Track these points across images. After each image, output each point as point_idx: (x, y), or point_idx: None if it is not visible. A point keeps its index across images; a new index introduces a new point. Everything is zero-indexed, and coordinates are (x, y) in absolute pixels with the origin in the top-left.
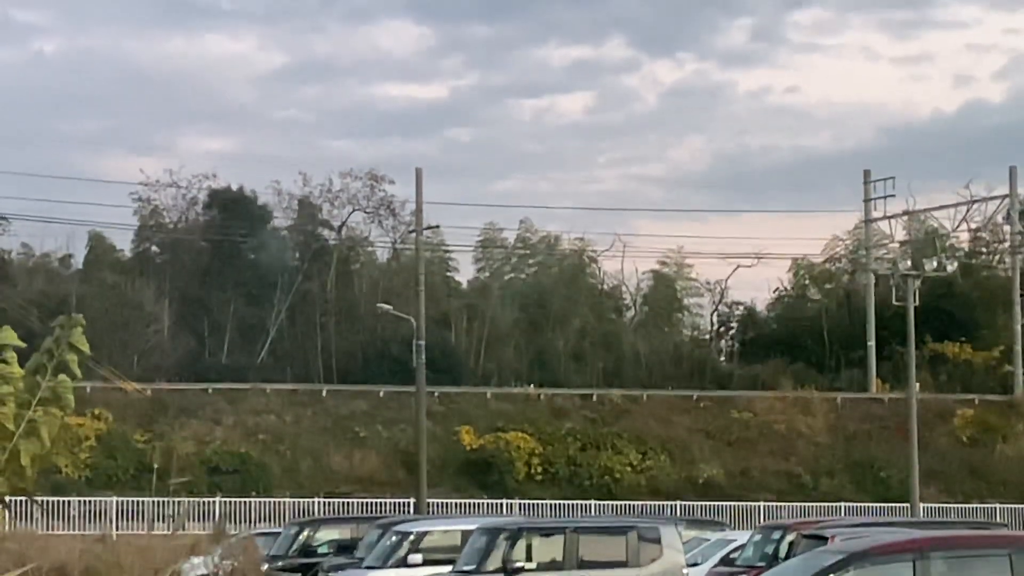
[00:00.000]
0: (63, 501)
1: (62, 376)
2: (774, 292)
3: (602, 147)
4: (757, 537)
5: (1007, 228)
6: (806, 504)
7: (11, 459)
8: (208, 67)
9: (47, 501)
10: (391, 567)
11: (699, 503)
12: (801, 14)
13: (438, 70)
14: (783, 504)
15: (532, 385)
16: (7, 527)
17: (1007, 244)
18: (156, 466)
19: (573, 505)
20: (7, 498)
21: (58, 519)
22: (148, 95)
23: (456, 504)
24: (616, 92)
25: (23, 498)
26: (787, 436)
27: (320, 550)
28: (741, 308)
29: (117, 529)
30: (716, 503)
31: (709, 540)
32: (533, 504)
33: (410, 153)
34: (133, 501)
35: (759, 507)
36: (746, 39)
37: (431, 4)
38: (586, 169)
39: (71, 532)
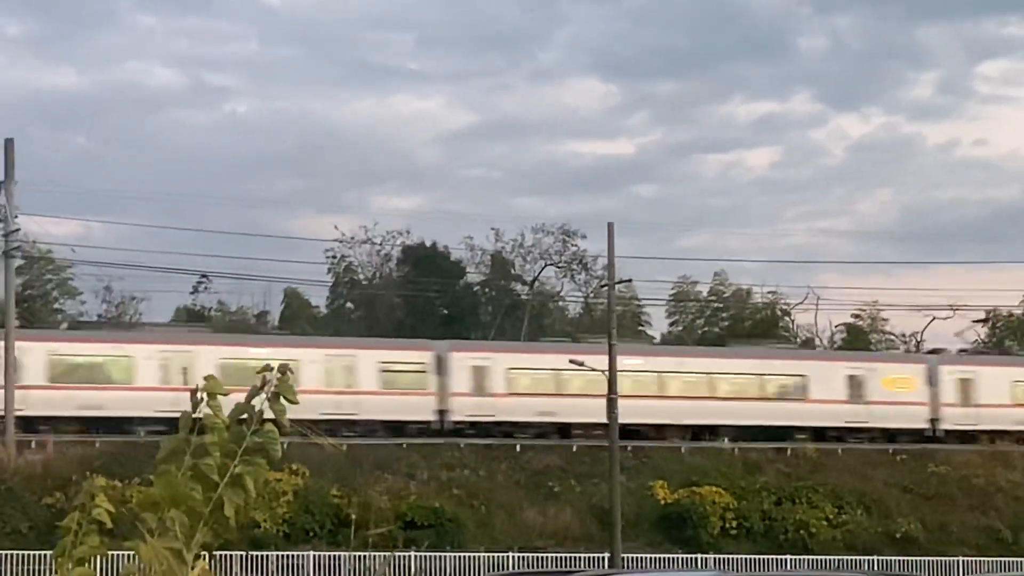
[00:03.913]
0: (262, 555)
1: (269, 426)
2: (972, 344)
3: (789, 201)
4: None
5: None
6: (1007, 559)
7: (215, 510)
8: (396, 126)
9: (246, 555)
10: None
11: (897, 558)
12: (989, 66)
13: (624, 127)
14: (983, 559)
15: (726, 439)
16: None
17: None
18: (354, 517)
19: (769, 559)
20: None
21: (257, 573)
22: (338, 154)
23: (651, 559)
24: (802, 146)
25: (223, 552)
26: (986, 490)
27: None
28: None
29: None
30: (914, 558)
31: None
32: (728, 559)
33: (596, 209)
34: (330, 556)
35: (958, 562)
36: (933, 92)
37: (617, 62)
38: (773, 223)
39: None
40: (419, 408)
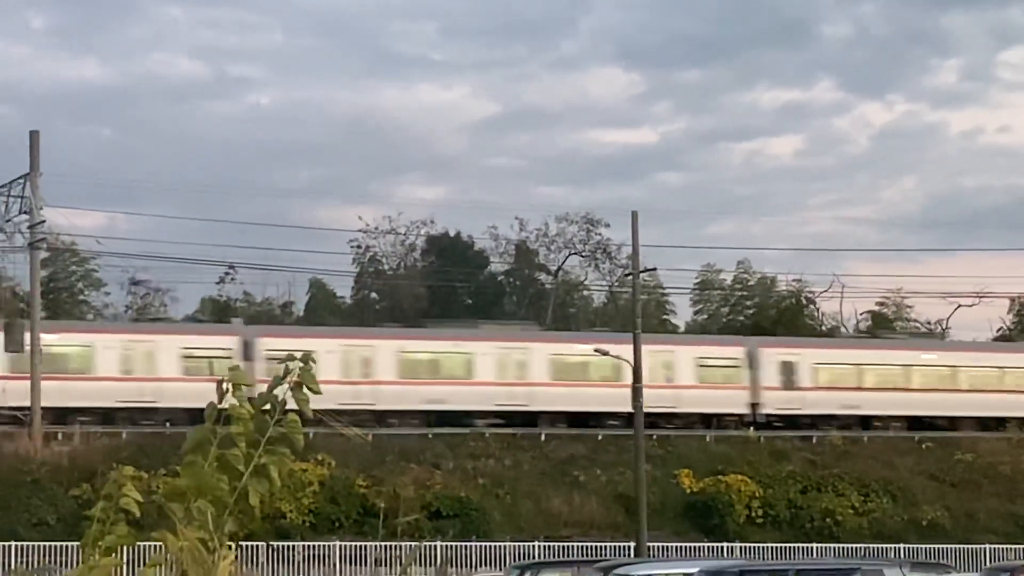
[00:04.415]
0: (288, 546)
1: (292, 416)
2: (997, 331)
3: (814, 189)
4: None
5: None
6: None
7: (239, 500)
8: (420, 116)
9: (272, 546)
10: None
11: (923, 545)
12: (1011, 53)
13: (647, 115)
14: (1010, 546)
15: (751, 427)
16: (235, 571)
17: None
18: (382, 506)
19: (795, 548)
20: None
21: (283, 563)
22: (362, 145)
23: (676, 547)
24: (826, 134)
25: (249, 543)
26: (1013, 478)
27: None
28: None
29: (341, 573)
30: (941, 545)
31: None
32: (754, 547)
33: (620, 198)
34: (357, 545)
35: (985, 550)
36: (956, 79)
37: (640, 51)
38: (798, 211)
39: None
40: (733, 401)
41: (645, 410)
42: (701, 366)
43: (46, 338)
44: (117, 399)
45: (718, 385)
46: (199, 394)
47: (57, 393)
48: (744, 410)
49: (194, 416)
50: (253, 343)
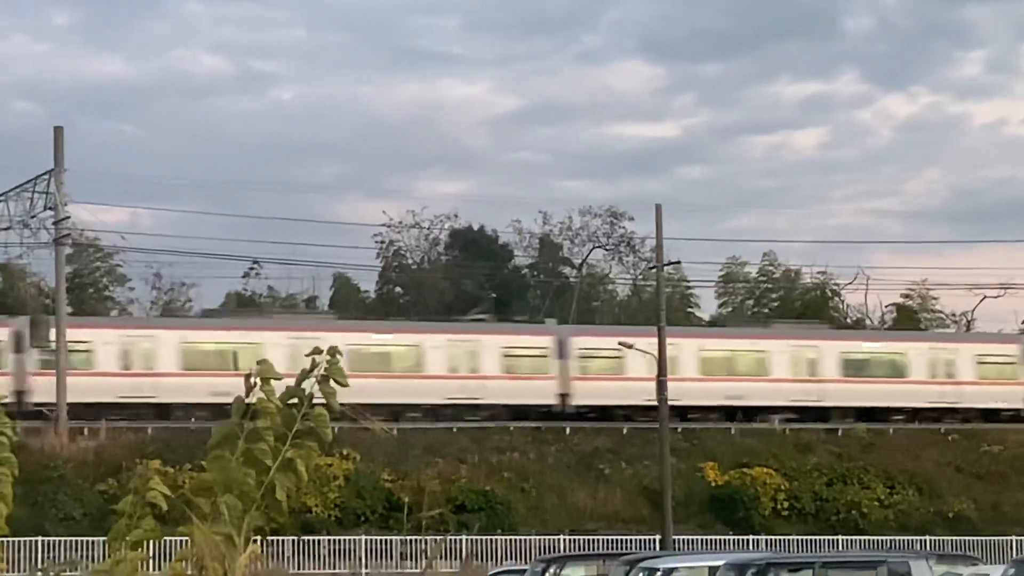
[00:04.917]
0: (313, 540)
1: (319, 409)
2: (1023, 323)
3: (837, 182)
4: (1011, 571)
5: None
6: None
7: (267, 494)
8: (443, 111)
9: (298, 540)
10: None
11: (949, 538)
12: None
13: (670, 109)
14: None
15: (776, 420)
16: (259, 565)
17: None
18: (407, 500)
19: (820, 540)
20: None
21: (308, 558)
22: (384, 140)
23: (702, 540)
24: (849, 127)
25: (275, 537)
26: None
27: None
28: None
29: (366, 567)
30: (967, 538)
31: (962, 575)
32: (780, 540)
33: (643, 191)
34: (382, 540)
35: (1012, 541)
36: (980, 71)
37: (662, 44)
38: (821, 204)
39: (321, 571)
40: (1010, 396)
41: (927, 405)
42: (980, 363)
43: (378, 338)
44: (444, 396)
45: (995, 381)
46: (519, 391)
47: (393, 390)
48: (1021, 405)
49: (515, 412)
50: (567, 342)
